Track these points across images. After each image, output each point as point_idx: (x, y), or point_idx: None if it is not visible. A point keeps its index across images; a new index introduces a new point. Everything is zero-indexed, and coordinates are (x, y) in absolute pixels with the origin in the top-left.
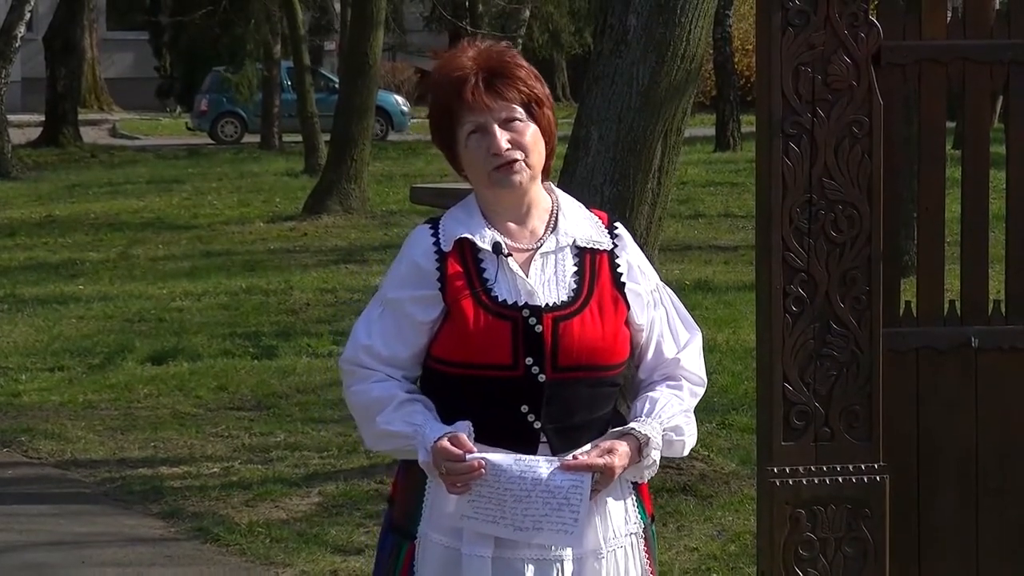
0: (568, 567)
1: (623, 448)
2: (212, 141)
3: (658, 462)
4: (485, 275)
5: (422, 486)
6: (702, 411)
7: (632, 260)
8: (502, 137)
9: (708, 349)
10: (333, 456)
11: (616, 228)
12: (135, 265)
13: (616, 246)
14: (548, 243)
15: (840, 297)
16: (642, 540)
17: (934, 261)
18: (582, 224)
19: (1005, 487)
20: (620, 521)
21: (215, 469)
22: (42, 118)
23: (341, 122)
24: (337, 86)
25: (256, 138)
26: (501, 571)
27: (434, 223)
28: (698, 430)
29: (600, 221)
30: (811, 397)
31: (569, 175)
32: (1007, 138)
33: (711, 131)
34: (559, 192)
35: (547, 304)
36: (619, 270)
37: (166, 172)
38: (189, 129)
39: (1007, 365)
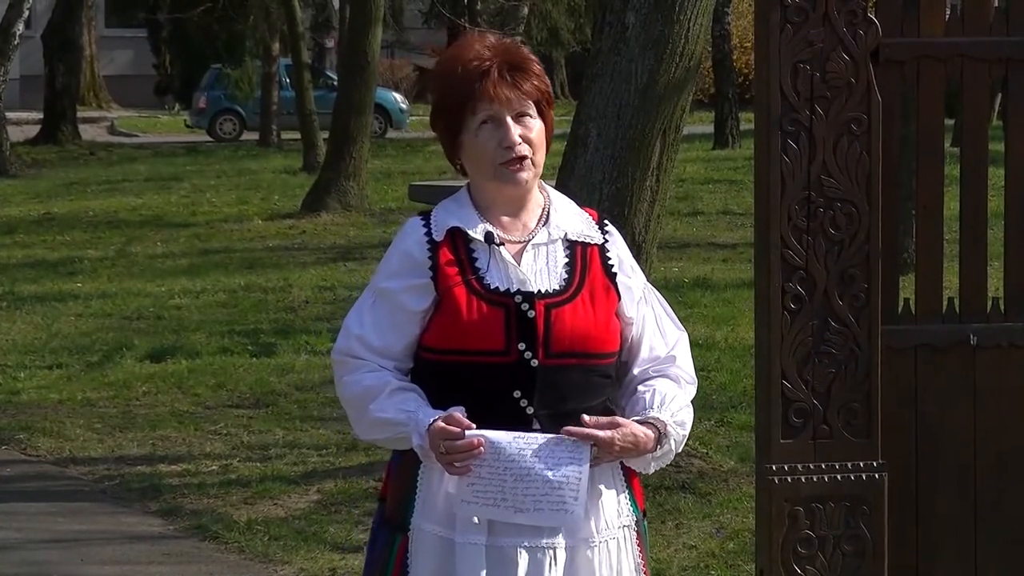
0: (561, 555)
1: (632, 430)
2: (211, 138)
3: (670, 456)
4: (477, 264)
5: (414, 477)
6: (700, 408)
7: (622, 256)
8: (515, 131)
9: (707, 346)
10: (332, 454)
11: (606, 225)
12: (133, 263)
13: (607, 240)
14: (540, 235)
15: (839, 295)
16: (634, 534)
17: (933, 258)
18: (573, 219)
19: (1004, 484)
20: (613, 513)
21: (214, 467)
22: (40, 116)
23: (340, 119)
24: (336, 83)
25: (255, 135)
26: (494, 559)
27: (426, 215)
28: (697, 427)
29: (591, 218)
30: (810, 395)
31: (568, 172)
32: (1006, 135)
33: (710, 128)
34: (550, 189)
35: (539, 291)
36: (610, 262)
37: (164, 169)
38: (188, 126)
39: (1006, 362)
